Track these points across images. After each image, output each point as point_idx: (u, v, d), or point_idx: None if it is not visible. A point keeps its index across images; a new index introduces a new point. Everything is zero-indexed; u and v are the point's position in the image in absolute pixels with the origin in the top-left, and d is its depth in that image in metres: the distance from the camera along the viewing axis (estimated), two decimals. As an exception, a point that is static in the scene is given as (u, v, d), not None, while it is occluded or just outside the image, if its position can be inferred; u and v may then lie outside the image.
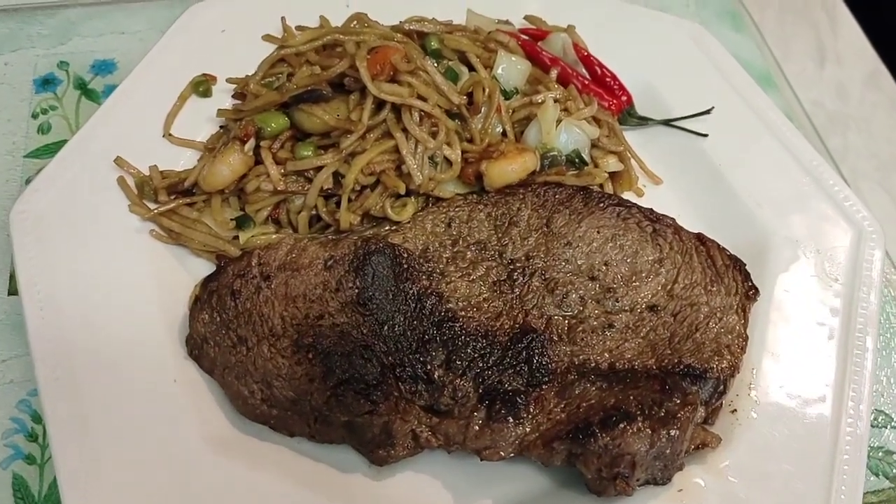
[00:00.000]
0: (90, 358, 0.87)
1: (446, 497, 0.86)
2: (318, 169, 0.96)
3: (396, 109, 0.98)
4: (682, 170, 1.12)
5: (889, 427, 0.99)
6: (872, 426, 0.98)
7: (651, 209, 1.02)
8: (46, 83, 1.20)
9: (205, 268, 0.99)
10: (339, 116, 0.97)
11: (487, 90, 1.03)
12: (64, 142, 1.13)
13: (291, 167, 0.96)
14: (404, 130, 0.97)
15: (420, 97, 0.98)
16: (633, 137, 1.15)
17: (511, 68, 1.08)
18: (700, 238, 0.99)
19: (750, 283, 0.95)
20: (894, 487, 0.94)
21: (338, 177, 0.97)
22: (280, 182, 0.95)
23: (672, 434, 0.82)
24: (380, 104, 0.97)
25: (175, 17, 1.28)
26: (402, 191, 0.96)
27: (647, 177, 1.12)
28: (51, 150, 1.13)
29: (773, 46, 1.38)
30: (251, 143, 0.96)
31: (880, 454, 0.97)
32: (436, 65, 1.03)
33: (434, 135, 0.98)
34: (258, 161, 0.98)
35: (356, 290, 0.92)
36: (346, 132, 0.96)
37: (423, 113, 0.97)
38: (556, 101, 1.06)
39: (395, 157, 0.97)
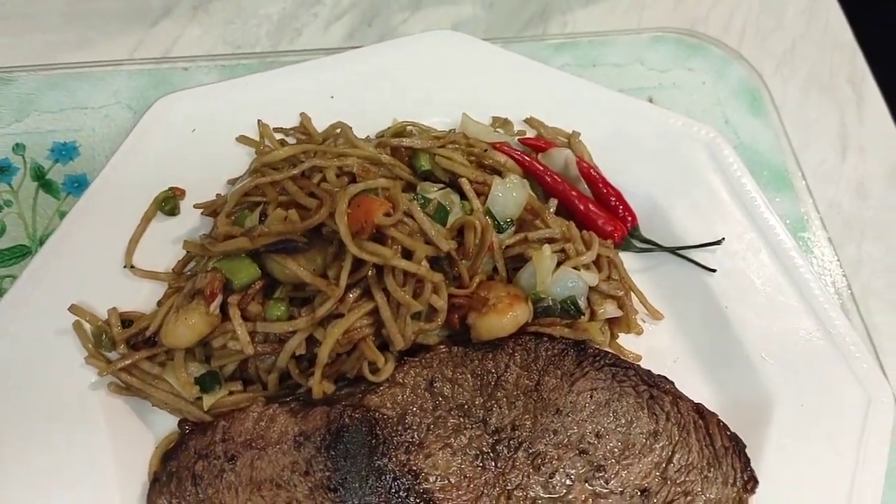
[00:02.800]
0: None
1: None
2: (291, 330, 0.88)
3: (378, 266, 0.89)
4: (686, 305, 1.05)
5: None
6: None
7: (649, 371, 0.95)
8: (1, 171, 1.10)
9: (167, 422, 0.92)
10: (314, 271, 0.89)
11: (479, 230, 0.94)
12: (20, 248, 1.05)
13: (261, 328, 0.88)
14: (385, 291, 0.88)
15: (405, 250, 0.89)
16: (636, 262, 1.07)
17: (506, 196, 0.99)
18: (699, 410, 0.93)
19: (749, 472, 0.90)
20: None
21: (311, 340, 0.89)
22: (249, 347, 0.88)
23: None
24: (360, 260, 0.89)
25: (141, 89, 1.19)
26: (381, 365, 0.88)
27: (647, 311, 1.04)
28: (5, 257, 1.04)
29: (793, 134, 1.27)
30: (217, 301, 0.88)
31: None
32: (424, 201, 0.94)
33: (418, 292, 0.90)
34: (225, 315, 0.90)
35: (327, 474, 0.85)
36: (320, 292, 0.88)
37: (406, 274, 0.89)
38: (553, 241, 0.97)
39: (375, 319, 0.89)
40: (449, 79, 1.14)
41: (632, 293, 1.03)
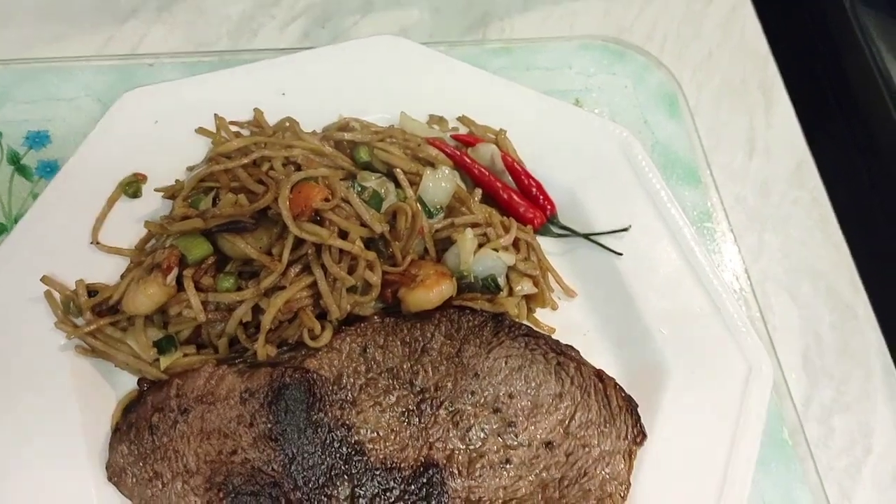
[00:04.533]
0: (13, 476, 0.93)
1: None
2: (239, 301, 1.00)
3: (317, 245, 1.01)
4: (596, 285, 1.17)
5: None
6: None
7: (557, 341, 1.08)
8: (-21, 156, 1.21)
9: (128, 380, 1.03)
10: (260, 248, 1.01)
11: (410, 215, 1.06)
12: (-5, 227, 1.15)
13: (213, 297, 1.00)
14: (323, 266, 1.00)
15: (341, 231, 1.01)
16: (553, 246, 1.20)
17: (436, 185, 1.12)
18: (599, 375, 1.06)
19: (639, 428, 1.03)
20: None
21: (257, 309, 1.01)
22: (201, 314, 0.99)
23: (547, 588, 0.90)
24: (301, 239, 1.00)
25: (109, 83, 1.29)
26: (319, 332, 1.00)
27: (562, 288, 1.17)
28: (-20, 236, 1.14)
29: (705, 136, 1.41)
30: (173, 273, 0.99)
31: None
32: (360, 188, 1.06)
33: (353, 268, 1.02)
34: (181, 286, 1.01)
35: (269, 426, 0.97)
36: (265, 267, 1.00)
37: (342, 252, 1.01)
38: (476, 225, 1.10)
39: (314, 291, 1.01)
40: (391, 80, 1.25)
41: (548, 273, 1.16)
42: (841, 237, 1.36)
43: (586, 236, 1.19)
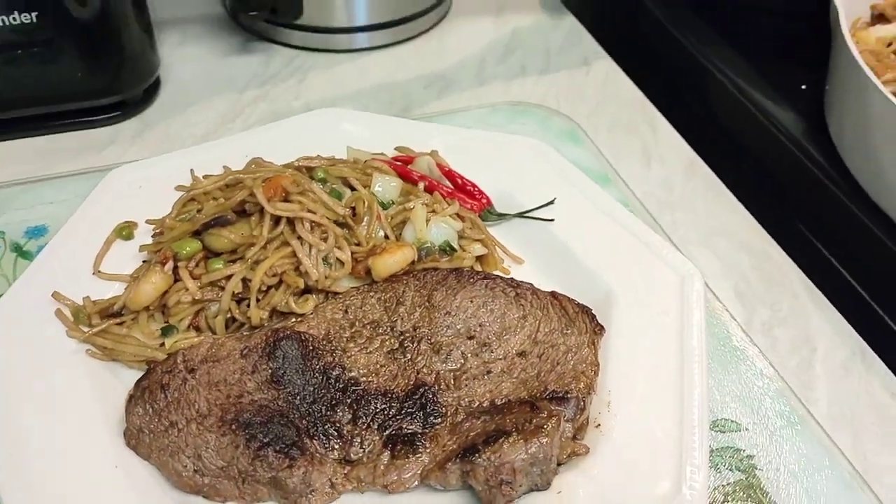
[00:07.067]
0: (41, 456, 0.99)
1: (364, 532, 0.99)
2: (229, 278, 1.15)
3: (291, 223, 1.18)
4: (538, 251, 1.35)
5: (735, 431, 1.17)
6: (721, 431, 1.16)
7: (512, 278, 1.23)
8: (-16, 250, 1.37)
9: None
10: (243, 234, 1.17)
11: (367, 203, 1.25)
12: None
13: (206, 279, 1.15)
14: (299, 238, 1.17)
15: (310, 211, 1.19)
16: (494, 231, 1.38)
17: (386, 185, 1.32)
18: (553, 294, 1.21)
19: (596, 323, 1.16)
20: (745, 477, 1.11)
21: (246, 283, 1.15)
22: (197, 292, 1.13)
23: (542, 442, 0.99)
24: (276, 221, 1.18)
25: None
26: (301, 286, 1.15)
27: (510, 258, 1.34)
28: (-9, 305, 1.27)
29: (608, 154, 1.66)
30: (170, 264, 1.15)
31: (730, 452, 1.14)
32: (321, 187, 1.26)
33: (325, 240, 1.19)
34: (177, 281, 1.16)
35: (270, 371, 1.08)
36: (249, 245, 1.16)
37: (313, 224, 1.18)
38: (424, 204, 1.29)
39: (294, 260, 1.17)
40: (341, 134, 1.50)
41: (494, 245, 1.34)
42: (741, 205, 1.59)
43: (521, 215, 1.39)
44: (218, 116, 1.75)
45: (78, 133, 1.66)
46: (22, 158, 1.59)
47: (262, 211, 1.18)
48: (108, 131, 1.68)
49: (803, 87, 1.78)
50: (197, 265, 1.17)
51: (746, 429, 1.18)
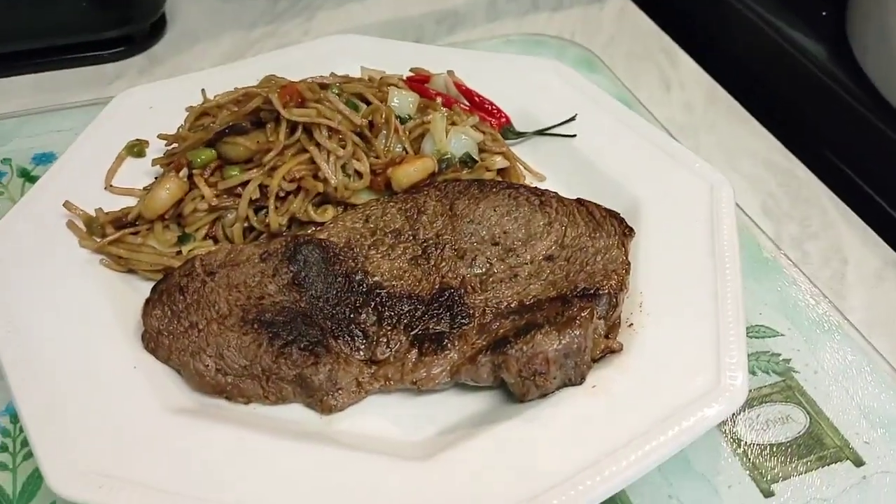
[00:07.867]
0: (56, 360, 0.96)
1: (393, 431, 0.95)
2: (246, 184, 1.11)
3: (308, 130, 1.15)
4: (561, 167, 1.31)
5: (770, 337, 1.14)
6: (756, 337, 1.13)
7: (536, 187, 1.19)
8: (-7, 177, 1.34)
9: (153, 289, 1.10)
10: (259, 142, 1.14)
11: (384, 115, 1.22)
12: (13, 215, 1.25)
13: (222, 186, 1.11)
14: (317, 145, 1.13)
15: (326, 119, 1.15)
16: (514, 149, 1.35)
17: (403, 100, 1.28)
18: (580, 201, 1.17)
19: (625, 225, 1.12)
20: (783, 380, 1.08)
21: (264, 189, 1.12)
22: (214, 199, 1.09)
23: (575, 332, 0.95)
24: (293, 127, 1.14)
25: (105, 113, 1.45)
26: (321, 189, 1.11)
27: (532, 175, 1.31)
28: None
29: (626, 80, 1.63)
30: (185, 171, 1.11)
31: (768, 356, 1.11)
32: (338, 94, 1.22)
33: (343, 148, 1.15)
34: (192, 189, 1.12)
35: (291, 274, 1.04)
36: (266, 152, 1.12)
37: (330, 130, 1.15)
38: (443, 116, 1.25)
39: (312, 167, 1.13)
40: (353, 59, 1.46)
41: (515, 161, 1.30)
42: (763, 129, 1.55)
43: (541, 132, 1.35)
44: (225, 53, 1.71)
45: (85, 69, 1.63)
46: (29, 92, 1.56)
47: (277, 119, 1.15)
48: (115, 67, 1.65)
49: (824, 13, 1.74)
50: (212, 174, 1.13)
51: (782, 334, 1.14)
